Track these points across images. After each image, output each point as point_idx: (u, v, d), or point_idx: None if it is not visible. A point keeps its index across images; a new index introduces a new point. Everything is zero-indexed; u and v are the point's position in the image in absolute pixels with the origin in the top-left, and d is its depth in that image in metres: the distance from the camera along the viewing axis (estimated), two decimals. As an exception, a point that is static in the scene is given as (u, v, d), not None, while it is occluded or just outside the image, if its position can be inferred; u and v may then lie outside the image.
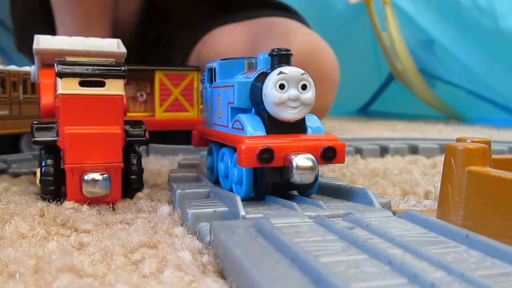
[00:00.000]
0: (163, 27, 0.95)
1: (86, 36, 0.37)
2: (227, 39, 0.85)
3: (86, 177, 0.29)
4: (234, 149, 0.27)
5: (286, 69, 0.26)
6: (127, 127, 0.32)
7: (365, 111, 1.82)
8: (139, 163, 0.33)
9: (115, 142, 0.30)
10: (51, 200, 0.31)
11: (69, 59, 0.31)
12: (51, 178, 0.31)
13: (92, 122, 0.30)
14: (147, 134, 0.33)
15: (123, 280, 0.18)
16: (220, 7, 0.94)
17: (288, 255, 0.18)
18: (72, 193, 0.30)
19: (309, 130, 0.28)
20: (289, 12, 0.92)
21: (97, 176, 0.29)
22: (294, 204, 0.25)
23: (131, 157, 0.32)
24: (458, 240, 0.19)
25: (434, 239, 0.20)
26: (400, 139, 0.69)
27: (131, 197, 0.33)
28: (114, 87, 0.30)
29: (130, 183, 0.32)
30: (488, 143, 0.24)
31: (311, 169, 0.25)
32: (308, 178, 0.25)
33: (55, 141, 0.30)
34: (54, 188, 0.31)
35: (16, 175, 0.41)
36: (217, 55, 0.65)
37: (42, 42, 0.35)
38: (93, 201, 0.30)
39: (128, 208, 0.30)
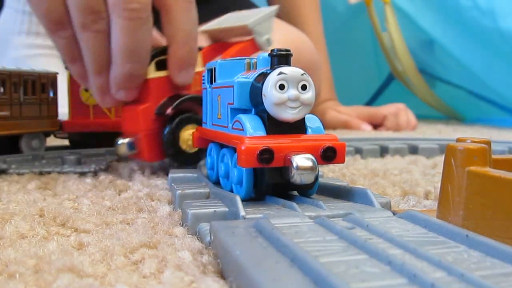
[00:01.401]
0: None
1: None
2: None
3: None
4: (234, 150, 0.27)
5: (286, 69, 0.26)
6: None
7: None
8: None
9: None
10: None
11: None
12: None
13: None
14: None
15: (123, 280, 0.18)
16: None
17: (288, 255, 0.18)
18: None
19: (309, 130, 0.28)
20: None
21: None
22: (294, 204, 0.25)
23: None
24: (458, 240, 0.19)
25: (434, 239, 0.20)
26: (400, 139, 0.69)
27: None
28: None
29: None
30: (488, 143, 0.24)
31: (311, 169, 0.25)
32: (308, 178, 0.25)
33: None
34: None
35: (16, 175, 0.41)
36: None
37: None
38: None
39: (128, 208, 0.30)
